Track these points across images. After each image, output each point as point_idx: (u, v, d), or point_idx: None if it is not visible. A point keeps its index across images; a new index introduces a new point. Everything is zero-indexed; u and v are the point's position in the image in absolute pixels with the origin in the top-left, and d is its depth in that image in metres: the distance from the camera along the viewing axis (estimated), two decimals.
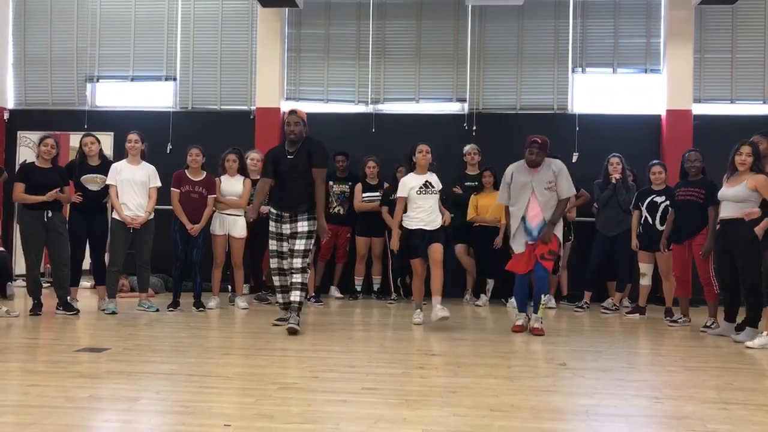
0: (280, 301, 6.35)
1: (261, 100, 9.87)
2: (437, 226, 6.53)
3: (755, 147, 6.00)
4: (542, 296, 6.29)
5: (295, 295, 5.95)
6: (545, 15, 9.84)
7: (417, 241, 6.45)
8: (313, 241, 6.08)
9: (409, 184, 6.61)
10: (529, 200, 6.23)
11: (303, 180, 6.02)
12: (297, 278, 5.95)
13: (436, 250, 6.42)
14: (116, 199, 7.06)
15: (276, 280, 6.28)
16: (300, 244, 5.95)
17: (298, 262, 5.93)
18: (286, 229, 6.07)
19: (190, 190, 7.38)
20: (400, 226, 6.60)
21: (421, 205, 6.52)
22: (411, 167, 6.71)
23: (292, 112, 6.12)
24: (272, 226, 6.15)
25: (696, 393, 3.97)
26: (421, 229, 6.46)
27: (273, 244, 6.18)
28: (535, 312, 6.23)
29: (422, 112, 9.95)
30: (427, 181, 6.59)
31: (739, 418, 3.40)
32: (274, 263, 6.23)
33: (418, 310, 6.65)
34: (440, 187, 6.71)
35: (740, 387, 4.15)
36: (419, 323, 6.50)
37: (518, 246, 6.31)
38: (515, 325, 6.30)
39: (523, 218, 6.26)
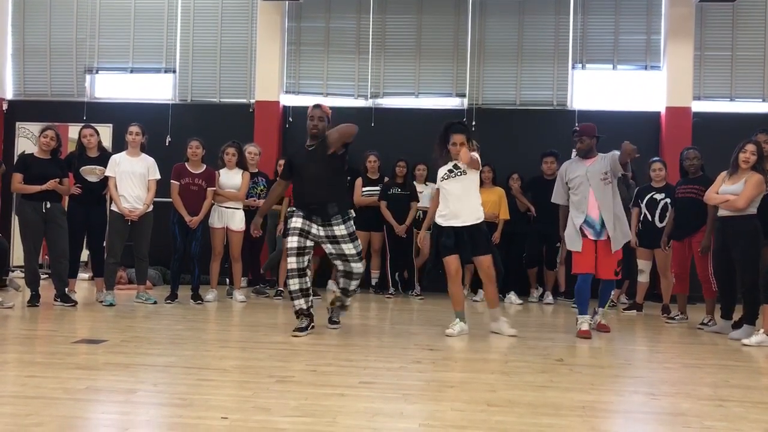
0: (303, 306, 5.55)
1: (260, 93, 9.87)
2: (473, 222, 5.66)
3: (759, 146, 6.00)
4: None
5: (348, 300, 6.01)
6: (546, 10, 9.84)
7: (448, 240, 5.68)
8: (359, 240, 5.81)
9: (439, 173, 5.86)
10: (588, 194, 5.91)
11: (323, 174, 5.52)
12: (355, 286, 5.90)
13: (485, 265, 5.68)
14: (115, 191, 7.06)
15: (294, 284, 5.52)
16: (351, 248, 5.65)
17: (360, 267, 5.76)
18: (318, 230, 5.61)
19: (189, 183, 7.38)
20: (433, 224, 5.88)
21: (449, 191, 5.71)
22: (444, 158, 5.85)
23: (317, 106, 5.70)
24: (297, 222, 5.56)
25: (693, 390, 3.98)
26: (451, 227, 5.68)
27: (293, 241, 5.51)
28: (602, 306, 6.12)
29: (422, 107, 9.95)
30: (455, 164, 5.73)
31: (735, 416, 3.41)
32: (292, 263, 5.49)
33: (458, 320, 5.72)
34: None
35: (737, 384, 4.16)
36: (452, 335, 5.60)
37: (574, 244, 5.94)
38: (582, 330, 5.79)
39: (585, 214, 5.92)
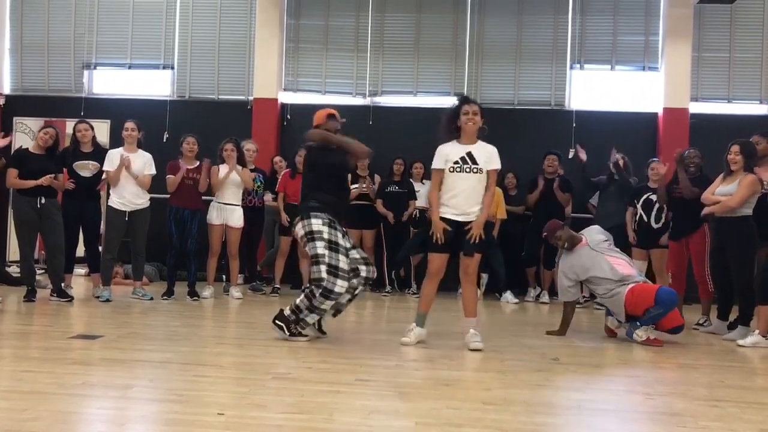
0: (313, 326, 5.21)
1: (258, 90, 9.86)
2: (473, 219, 4.98)
3: (745, 146, 6.03)
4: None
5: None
6: (544, 10, 9.85)
7: (448, 234, 5.00)
8: None
9: (444, 153, 5.01)
10: None
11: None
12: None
13: (468, 263, 5.01)
14: (116, 171, 7.02)
15: (328, 305, 5.01)
16: (363, 251, 5.42)
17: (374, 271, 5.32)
18: (340, 238, 5.07)
19: (184, 177, 7.39)
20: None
21: (455, 186, 4.97)
22: (452, 135, 5.08)
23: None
24: (328, 233, 4.98)
25: (687, 390, 3.99)
26: (454, 220, 4.99)
27: (342, 261, 4.96)
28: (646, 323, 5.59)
29: (420, 106, 9.94)
30: (469, 153, 4.98)
31: (729, 416, 3.42)
32: (344, 286, 4.94)
33: (415, 326, 5.14)
34: (494, 166, 5.06)
35: (731, 385, 4.17)
36: (408, 343, 5.05)
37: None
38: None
39: None
